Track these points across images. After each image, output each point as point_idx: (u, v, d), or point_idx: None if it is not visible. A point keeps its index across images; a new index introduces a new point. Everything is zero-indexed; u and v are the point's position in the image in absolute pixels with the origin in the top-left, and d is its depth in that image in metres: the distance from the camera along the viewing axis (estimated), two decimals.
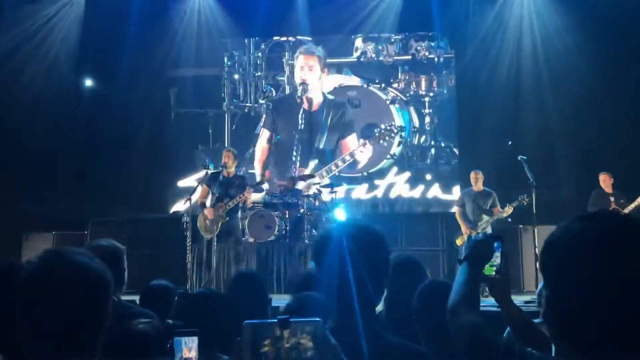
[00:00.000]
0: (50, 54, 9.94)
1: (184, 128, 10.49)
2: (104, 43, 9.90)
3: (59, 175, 10.00)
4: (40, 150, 9.60)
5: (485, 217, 7.80)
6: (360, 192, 9.53)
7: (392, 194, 9.64)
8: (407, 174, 9.40)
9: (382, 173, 9.73)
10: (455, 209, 8.11)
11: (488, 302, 2.71)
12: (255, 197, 7.75)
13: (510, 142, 9.58)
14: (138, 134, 10.22)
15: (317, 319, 1.09)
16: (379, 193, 9.63)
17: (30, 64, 9.71)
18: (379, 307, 2.32)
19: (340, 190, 7.60)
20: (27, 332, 1.31)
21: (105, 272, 1.35)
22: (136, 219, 9.14)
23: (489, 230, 7.70)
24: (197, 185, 7.18)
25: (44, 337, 1.29)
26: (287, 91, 9.84)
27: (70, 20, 10.08)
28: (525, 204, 7.52)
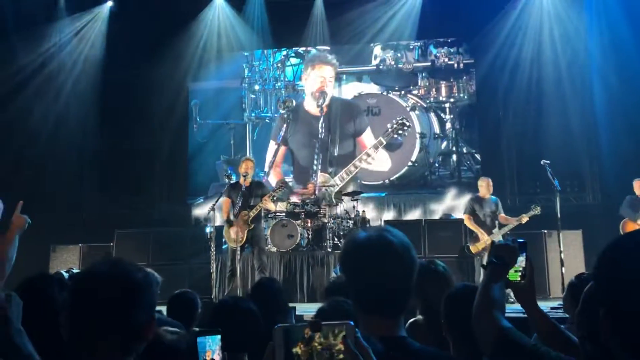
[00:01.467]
0: (75, 69, 10.14)
1: (206, 139, 10.61)
2: (126, 57, 10.07)
3: (84, 189, 10.17)
4: (66, 164, 9.78)
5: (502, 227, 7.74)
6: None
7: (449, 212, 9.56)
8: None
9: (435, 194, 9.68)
10: (464, 217, 7.85)
11: (513, 309, 2.69)
12: (280, 206, 7.79)
13: (532, 148, 9.46)
14: (161, 145, 10.37)
15: (349, 321, 1.10)
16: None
17: (55, 80, 9.92)
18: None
19: (368, 210, 7.53)
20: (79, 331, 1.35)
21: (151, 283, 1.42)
22: (160, 230, 9.24)
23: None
24: (220, 196, 7.23)
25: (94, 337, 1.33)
26: (306, 100, 9.90)
27: (95, 36, 10.28)
28: (538, 213, 7.45)
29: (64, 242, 9.17)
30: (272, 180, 6.67)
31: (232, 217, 6.96)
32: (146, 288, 1.39)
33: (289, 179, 7.66)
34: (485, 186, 7.77)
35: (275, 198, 7.07)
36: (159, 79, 10.34)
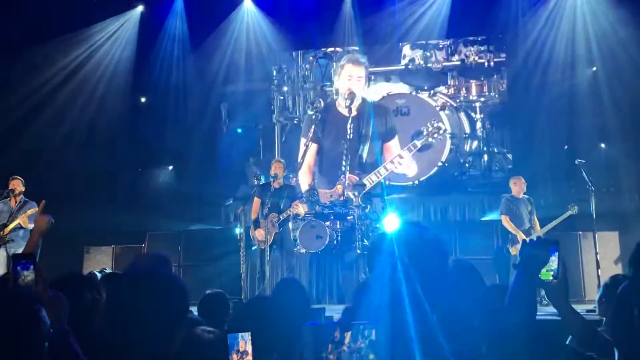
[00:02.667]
0: (106, 74, 10.33)
1: (235, 141, 10.69)
2: (157, 61, 10.22)
3: (117, 191, 10.35)
4: (99, 168, 9.96)
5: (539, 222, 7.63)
6: None
7: None
8: None
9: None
10: (502, 217, 7.75)
11: (546, 312, 2.63)
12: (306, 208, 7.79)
13: (566, 147, 9.28)
14: (191, 148, 10.50)
15: (376, 323, 1.09)
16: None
17: (88, 83, 10.12)
18: None
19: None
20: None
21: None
22: (190, 230, 9.35)
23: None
24: (250, 197, 7.30)
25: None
26: (335, 101, 9.89)
27: (125, 40, 10.46)
28: (575, 213, 7.31)
29: (97, 244, 9.35)
30: (302, 181, 6.68)
31: (260, 218, 7.01)
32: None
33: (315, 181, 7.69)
34: (518, 185, 7.69)
35: (304, 201, 7.08)
36: (189, 81, 10.47)
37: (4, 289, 2.23)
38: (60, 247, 8.19)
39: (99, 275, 4.18)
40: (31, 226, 7.56)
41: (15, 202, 7.65)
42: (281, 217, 6.96)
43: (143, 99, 10.77)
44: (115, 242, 9.30)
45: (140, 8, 10.55)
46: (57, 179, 9.09)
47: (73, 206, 8.95)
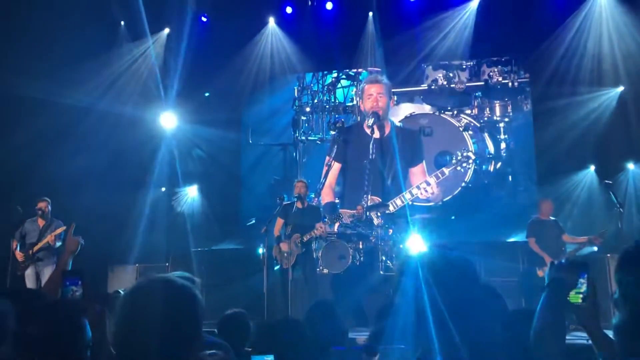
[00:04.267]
0: (133, 95, 10.50)
1: (259, 160, 10.76)
2: (181, 81, 10.37)
3: (141, 212, 10.42)
4: (125, 188, 10.06)
5: (570, 248, 7.49)
6: None
7: None
8: None
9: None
10: (528, 240, 7.69)
11: (576, 335, 2.57)
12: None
13: (592, 167, 9.11)
14: (214, 168, 10.58)
15: (403, 346, 1.07)
16: None
17: (116, 104, 10.28)
18: None
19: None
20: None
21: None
22: (213, 250, 9.38)
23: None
24: (274, 216, 7.30)
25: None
26: (361, 122, 9.91)
27: (153, 61, 10.63)
28: (606, 235, 7.17)
29: (121, 263, 9.43)
30: (325, 201, 6.70)
31: (282, 238, 7.02)
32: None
33: (337, 200, 7.69)
34: (546, 207, 7.61)
35: (328, 224, 7.07)
36: (214, 102, 10.59)
37: (54, 300, 2.38)
38: (86, 266, 8.36)
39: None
40: (58, 244, 7.77)
41: (44, 222, 8.00)
42: (304, 239, 6.95)
43: (170, 121, 10.88)
44: (139, 261, 9.37)
45: (166, 30, 10.75)
46: (82, 199, 9.20)
47: (98, 227, 9.07)
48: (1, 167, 8.91)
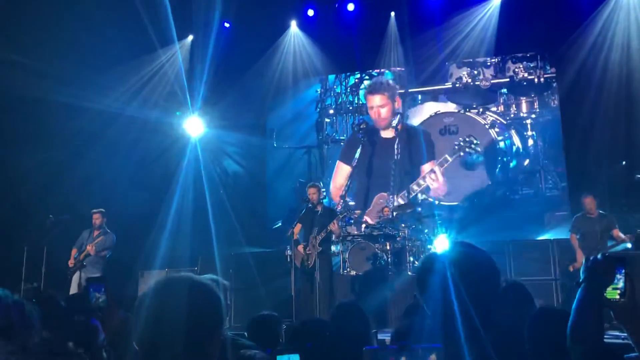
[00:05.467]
0: (160, 99, 10.63)
1: (284, 163, 10.78)
2: (207, 87, 10.45)
3: (170, 217, 10.52)
4: (152, 192, 10.18)
5: (609, 243, 7.37)
6: None
7: None
8: None
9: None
10: (571, 235, 7.69)
11: (613, 334, 2.50)
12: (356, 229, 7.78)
13: (623, 163, 8.90)
14: (240, 172, 10.64)
15: (436, 345, 1.06)
16: None
17: (142, 110, 10.41)
18: None
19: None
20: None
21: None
22: (241, 253, 9.42)
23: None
24: (298, 219, 7.43)
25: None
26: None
27: (178, 67, 10.74)
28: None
29: (151, 267, 9.53)
30: (334, 199, 6.79)
31: (300, 240, 7.16)
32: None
33: (351, 202, 7.71)
34: (587, 203, 7.54)
35: (341, 218, 7.13)
36: (238, 107, 10.64)
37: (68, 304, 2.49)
38: (118, 272, 8.67)
39: None
40: (103, 253, 8.54)
41: (98, 232, 8.81)
42: (318, 238, 7.07)
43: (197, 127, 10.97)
44: (168, 266, 9.45)
45: (190, 37, 10.85)
46: (112, 205, 9.34)
47: (128, 233, 9.22)
48: (35, 172, 9.14)
